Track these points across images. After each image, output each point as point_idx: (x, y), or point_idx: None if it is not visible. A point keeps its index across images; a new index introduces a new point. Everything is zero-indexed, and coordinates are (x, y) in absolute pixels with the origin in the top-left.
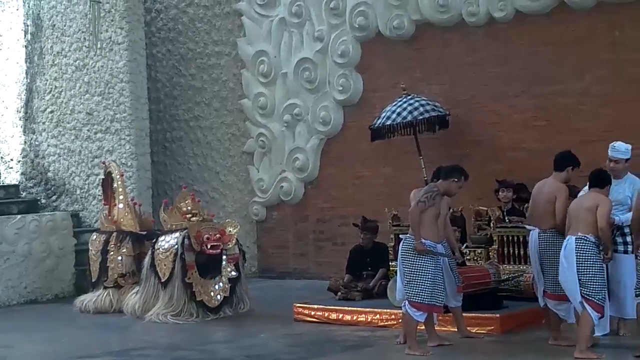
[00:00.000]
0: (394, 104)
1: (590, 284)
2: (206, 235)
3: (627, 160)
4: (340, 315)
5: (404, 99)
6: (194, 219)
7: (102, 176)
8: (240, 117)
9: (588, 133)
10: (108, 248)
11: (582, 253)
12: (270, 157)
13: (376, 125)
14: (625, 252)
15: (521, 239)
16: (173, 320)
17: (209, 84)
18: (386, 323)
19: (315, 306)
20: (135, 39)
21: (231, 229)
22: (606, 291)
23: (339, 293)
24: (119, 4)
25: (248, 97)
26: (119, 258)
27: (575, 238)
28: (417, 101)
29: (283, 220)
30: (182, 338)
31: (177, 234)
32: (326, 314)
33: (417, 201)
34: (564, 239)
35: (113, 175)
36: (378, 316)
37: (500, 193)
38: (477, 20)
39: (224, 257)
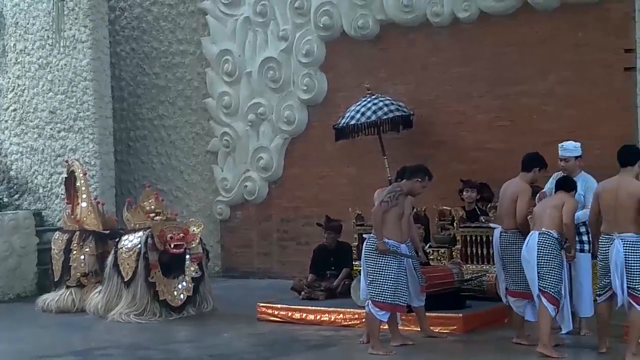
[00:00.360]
0: (358, 103)
1: (547, 277)
2: (169, 235)
3: (577, 157)
4: (304, 315)
5: (368, 99)
6: (157, 218)
7: (65, 175)
8: (204, 116)
9: (552, 134)
10: (71, 247)
11: (543, 247)
12: (234, 156)
13: (340, 125)
14: (582, 250)
15: (484, 239)
16: (136, 320)
17: (173, 83)
18: (349, 322)
19: (279, 306)
20: (99, 38)
21: (195, 229)
22: (563, 286)
23: (303, 292)
24: (83, 2)
25: (212, 96)
26: (82, 257)
27: (539, 233)
28: (382, 101)
29: (247, 219)
30: (145, 337)
31: (140, 233)
32: (290, 314)
33: (380, 201)
34: (525, 238)
35: (76, 174)
36: (341, 316)
37: (464, 193)
38: (441, 21)
39: (188, 256)
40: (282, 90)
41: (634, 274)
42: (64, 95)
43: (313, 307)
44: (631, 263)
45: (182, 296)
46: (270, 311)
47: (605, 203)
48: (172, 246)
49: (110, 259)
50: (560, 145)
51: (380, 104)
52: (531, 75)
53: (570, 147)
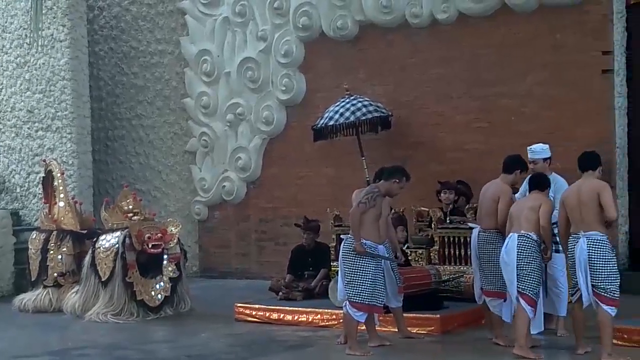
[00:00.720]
0: (336, 104)
1: (526, 279)
2: (147, 235)
3: (545, 159)
4: (282, 315)
5: (347, 100)
6: (135, 218)
7: (42, 174)
8: (182, 116)
9: (530, 135)
10: (48, 247)
11: (523, 250)
12: (213, 156)
13: (319, 126)
14: (557, 251)
15: (462, 240)
16: (113, 320)
17: (152, 83)
18: (327, 323)
19: (257, 306)
20: (77, 37)
21: (172, 229)
22: (541, 288)
23: (281, 293)
24: (61, 1)
25: (191, 96)
26: (59, 257)
27: (518, 235)
28: (360, 102)
29: (225, 219)
30: (123, 337)
31: (118, 233)
32: (267, 314)
33: (357, 202)
34: (503, 238)
35: (54, 173)
36: (319, 316)
37: (442, 195)
38: (420, 22)
39: (165, 256)
40: (261, 90)
41: (596, 272)
42: (42, 95)
43: (291, 308)
44: (594, 261)
45: (159, 296)
46: (247, 311)
47: (570, 205)
48: (149, 246)
49: (87, 258)
50: (528, 148)
51: (359, 104)
52: (509, 77)
53: (537, 150)
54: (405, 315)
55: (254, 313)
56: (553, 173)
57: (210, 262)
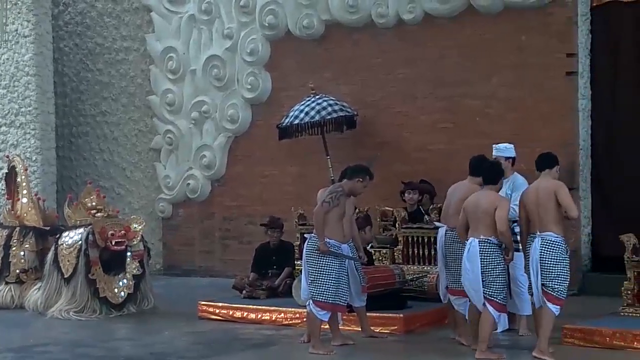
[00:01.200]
0: (302, 103)
1: (493, 284)
2: (111, 232)
3: (508, 158)
4: (245, 314)
5: (313, 99)
6: (98, 214)
7: (5, 170)
8: (147, 114)
9: (494, 136)
10: (10, 243)
11: (486, 255)
12: (177, 154)
13: (284, 124)
14: (517, 250)
15: (426, 240)
16: (76, 317)
17: (117, 80)
18: (290, 322)
19: (220, 304)
20: (42, 32)
21: (136, 226)
22: (507, 290)
23: (244, 291)
24: None
25: (156, 93)
26: (22, 253)
27: (479, 241)
28: (326, 101)
29: (189, 217)
30: (85, 334)
31: (81, 230)
32: (231, 312)
33: (321, 201)
34: None
35: (17, 169)
36: (282, 315)
37: (406, 195)
38: (386, 22)
39: (129, 253)
40: (226, 88)
41: (547, 272)
42: (6, 90)
43: (254, 306)
44: (545, 260)
45: (122, 293)
46: (211, 309)
47: (528, 205)
48: (113, 243)
49: (50, 255)
50: (494, 146)
51: (324, 104)
52: (475, 78)
53: (502, 148)
54: (368, 314)
55: (217, 311)
56: (515, 173)
57: (174, 260)
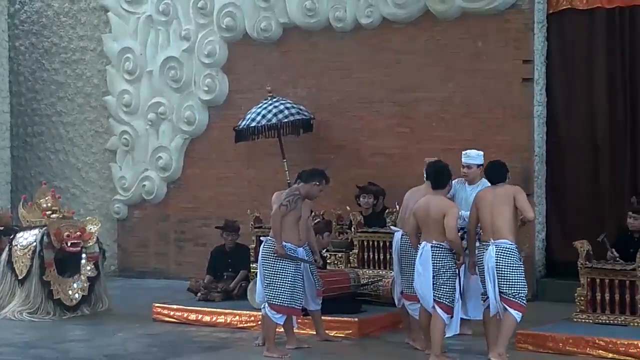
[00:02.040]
0: (259, 106)
1: (443, 288)
2: (66, 233)
3: (479, 166)
4: (200, 316)
5: (269, 102)
6: (54, 215)
7: None
8: (103, 114)
9: (449, 141)
10: None
11: (439, 260)
12: (134, 155)
13: (241, 127)
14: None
15: (381, 244)
16: (29, 318)
17: (73, 79)
18: (245, 325)
19: (175, 306)
20: None
21: (92, 227)
22: (457, 293)
23: (199, 294)
24: None
25: (112, 94)
26: None
27: (431, 246)
28: (282, 104)
29: (144, 219)
30: (38, 336)
31: (36, 231)
32: (185, 315)
33: (279, 204)
34: None
35: None
36: (237, 318)
37: (361, 199)
38: (344, 26)
39: (84, 255)
40: (183, 90)
41: (504, 279)
42: None
43: (209, 309)
44: (501, 268)
45: (77, 295)
46: (165, 312)
47: (482, 212)
48: (68, 244)
49: (4, 256)
50: (464, 152)
51: (281, 106)
52: (431, 83)
53: (473, 155)
54: (323, 318)
55: (171, 313)
56: (483, 179)
57: (129, 262)
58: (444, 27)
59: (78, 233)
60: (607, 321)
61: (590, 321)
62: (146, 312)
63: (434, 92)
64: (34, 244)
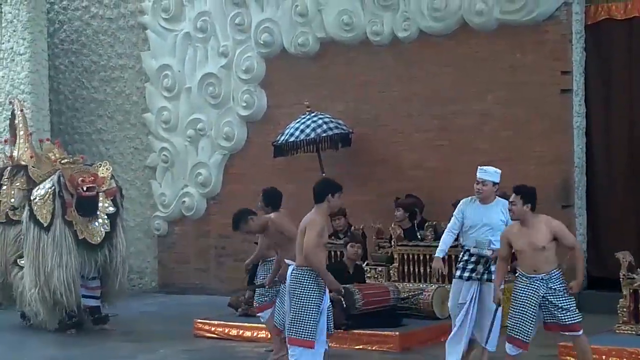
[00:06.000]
0: (297, 120)
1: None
2: (80, 178)
3: (495, 184)
4: (241, 332)
5: (308, 116)
6: (64, 161)
7: (9, 115)
8: (143, 131)
9: (488, 153)
10: (1, 182)
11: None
12: (173, 171)
13: (279, 142)
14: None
15: (421, 258)
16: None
17: (112, 97)
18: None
19: (216, 322)
20: (37, 50)
21: (104, 170)
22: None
23: (240, 309)
24: (22, 15)
25: (151, 111)
26: (12, 192)
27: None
28: (321, 119)
29: (184, 235)
30: (79, 353)
31: (52, 176)
32: (227, 330)
33: (321, 243)
34: None
35: (15, 112)
36: None
37: (395, 212)
38: (381, 40)
39: (101, 194)
40: (222, 106)
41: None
42: (2, 108)
43: (250, 324)
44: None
45: (101, 231)
46: (207, 327)
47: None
48: (84, 189)
49: (25, 214)
50: (480, 167)
51: (320, 121)
52: (469, 96)
53: (491, 172)
54: (364, 332)
55: (213, 329)
56: (498, 198)
57: (169, 278)
58: (482, 40)
59: (92, 178)
60: None
61: (633, 332)
62: (187, 328)
63: (472, 105)
64: (52, 187)
